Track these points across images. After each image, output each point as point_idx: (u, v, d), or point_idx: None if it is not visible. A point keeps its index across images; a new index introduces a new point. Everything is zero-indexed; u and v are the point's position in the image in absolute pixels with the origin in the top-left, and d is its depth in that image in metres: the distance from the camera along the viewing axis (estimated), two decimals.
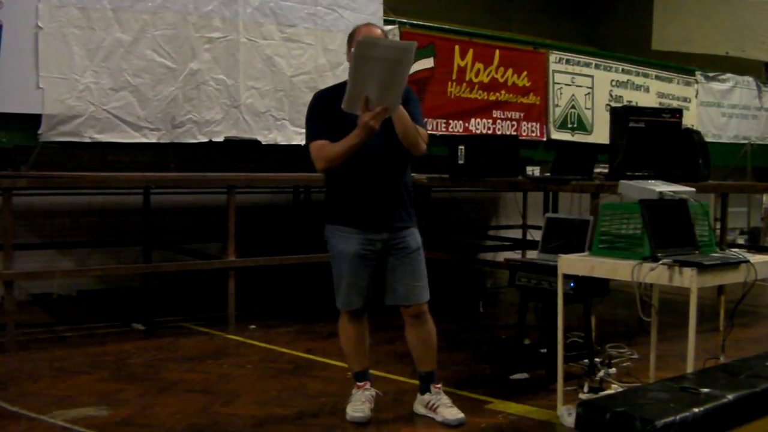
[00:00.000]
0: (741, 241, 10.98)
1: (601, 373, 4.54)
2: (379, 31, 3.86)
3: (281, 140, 6.65)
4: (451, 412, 3.98)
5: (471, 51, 7.71)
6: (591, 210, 5.43)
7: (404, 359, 4.82)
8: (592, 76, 8.83)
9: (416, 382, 4.20)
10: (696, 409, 2.67)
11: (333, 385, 4.67)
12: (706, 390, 2.86)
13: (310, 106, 3.98)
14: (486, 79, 7.84)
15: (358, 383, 4.10)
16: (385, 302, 4.02)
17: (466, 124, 7.71)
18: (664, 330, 4.60)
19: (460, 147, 6.53)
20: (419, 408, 4.12)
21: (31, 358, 5.26)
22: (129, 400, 4.29)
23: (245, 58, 6.43)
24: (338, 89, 3.76)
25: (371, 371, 4.24)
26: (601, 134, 7.99)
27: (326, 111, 3.81)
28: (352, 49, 3.58)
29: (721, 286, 6.28)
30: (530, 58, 8.34)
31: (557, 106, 8.50)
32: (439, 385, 4.10)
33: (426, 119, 4.81)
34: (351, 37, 3.89)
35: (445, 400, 4.06)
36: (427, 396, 4.09)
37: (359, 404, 4.01)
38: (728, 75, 10.39)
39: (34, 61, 5.51)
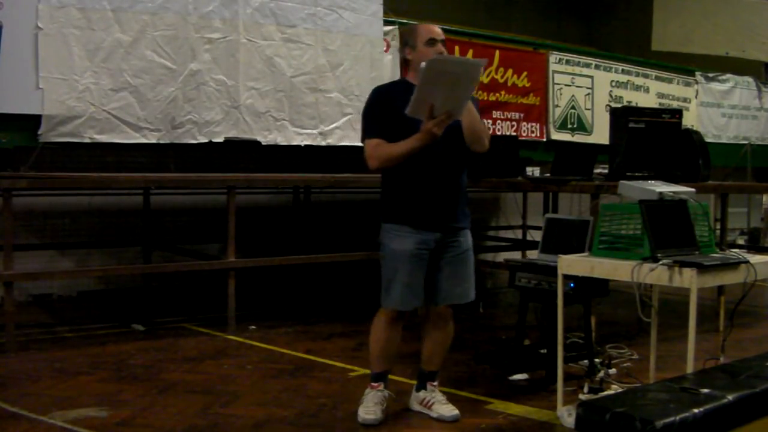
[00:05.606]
0: (741, 241, 10.97)
1: (601, 374, 4.53)
2: (438, 30, 3.84)
3: (281, 141, 6.65)
4: (446, 408, 4.01)
5: (471, 51, 7.71)
6: (591, 210, 5.42)
7: (404, 359, 4.81)
8: (592, 77, 8.83)
9: (415, 382, 4.21)
10: (696, 410, 2.66)
11: (333, 385, 4.67)
12: (706, 390, 2.85)
13: (368, 101, 3.93)
14: (486, 80, 7.84)
15: (373, 383, 4.05)
16: (435, 302, 4.00)
17: None
18: (664, 330, 4.60)
19: None
20: (414, 404, 4.14)
21: (31, 358, 5.26)
22: (129, 401, 4.28)
23: (245, 59, 6.42)
24: (397, 85, 3.77)
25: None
26: (601, 135, 7.99)
27: (384, 108, 3.78)
28: (422, 65, 3.52)
29: (721, 287, 6.27)
30: (530, 58, 8.34)
31: (557, 106, 8.50)
32: (435, 383, 4.11)
33: None
34: (408, 34, 3.88)
35: (440, 397, 4.07)
36: (422, 393, 4.11)
37: (372, 406, 3.98)
38: (728, 75, 10.39)
39: (34, 62, 5.50)
